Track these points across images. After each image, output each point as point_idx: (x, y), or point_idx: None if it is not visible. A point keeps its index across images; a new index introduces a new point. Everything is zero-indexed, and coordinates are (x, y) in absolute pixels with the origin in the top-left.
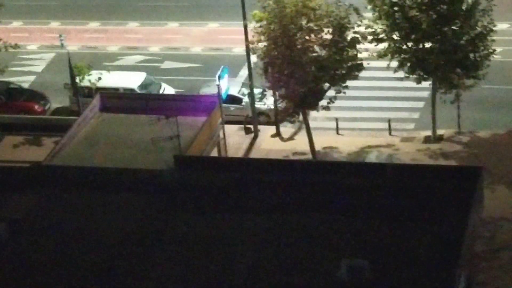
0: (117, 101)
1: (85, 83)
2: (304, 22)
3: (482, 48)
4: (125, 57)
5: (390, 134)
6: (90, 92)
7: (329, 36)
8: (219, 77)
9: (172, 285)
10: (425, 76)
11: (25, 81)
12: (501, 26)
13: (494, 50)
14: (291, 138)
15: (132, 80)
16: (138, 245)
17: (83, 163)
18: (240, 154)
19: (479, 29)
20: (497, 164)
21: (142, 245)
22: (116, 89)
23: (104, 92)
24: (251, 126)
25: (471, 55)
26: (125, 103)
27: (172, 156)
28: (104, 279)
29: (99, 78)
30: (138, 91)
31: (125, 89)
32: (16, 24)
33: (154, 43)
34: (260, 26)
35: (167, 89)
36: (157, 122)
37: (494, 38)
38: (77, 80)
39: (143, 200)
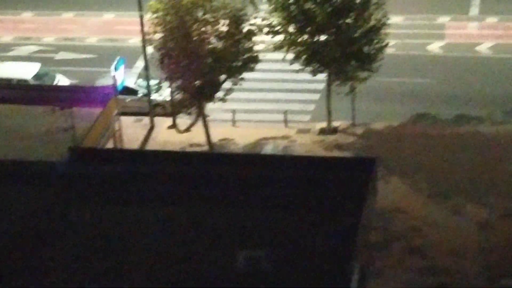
0: (10, 92)
1: None
2: (200, 14)
3: (376, 41)
4: (19, 47)
5: (286, 126)
6: None
7: (225, 28)
8: (115, 68)
9: (69, 280)
10: (320, 68)
11: None
12: (396, 19)
13: (388, 43)
14: (187, 129)
15: (25, 71)
16: (33, 239)
17: None
18: (136, 145)
19: (373, 22)
20: (391, 155)
21: (36, 239)
22: (9, 80)
23: None
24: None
25: (366, 48)
26: (19, 94)
27: (67, 148)
28: None
29: None
30: (32, 82)
31: (19, 80)
32: None
33: (49, 33)
34: (156, 17)
35: (62, 80)
36: (52, 113)
37: (388, 31)
38: None
39: (37, 192)
